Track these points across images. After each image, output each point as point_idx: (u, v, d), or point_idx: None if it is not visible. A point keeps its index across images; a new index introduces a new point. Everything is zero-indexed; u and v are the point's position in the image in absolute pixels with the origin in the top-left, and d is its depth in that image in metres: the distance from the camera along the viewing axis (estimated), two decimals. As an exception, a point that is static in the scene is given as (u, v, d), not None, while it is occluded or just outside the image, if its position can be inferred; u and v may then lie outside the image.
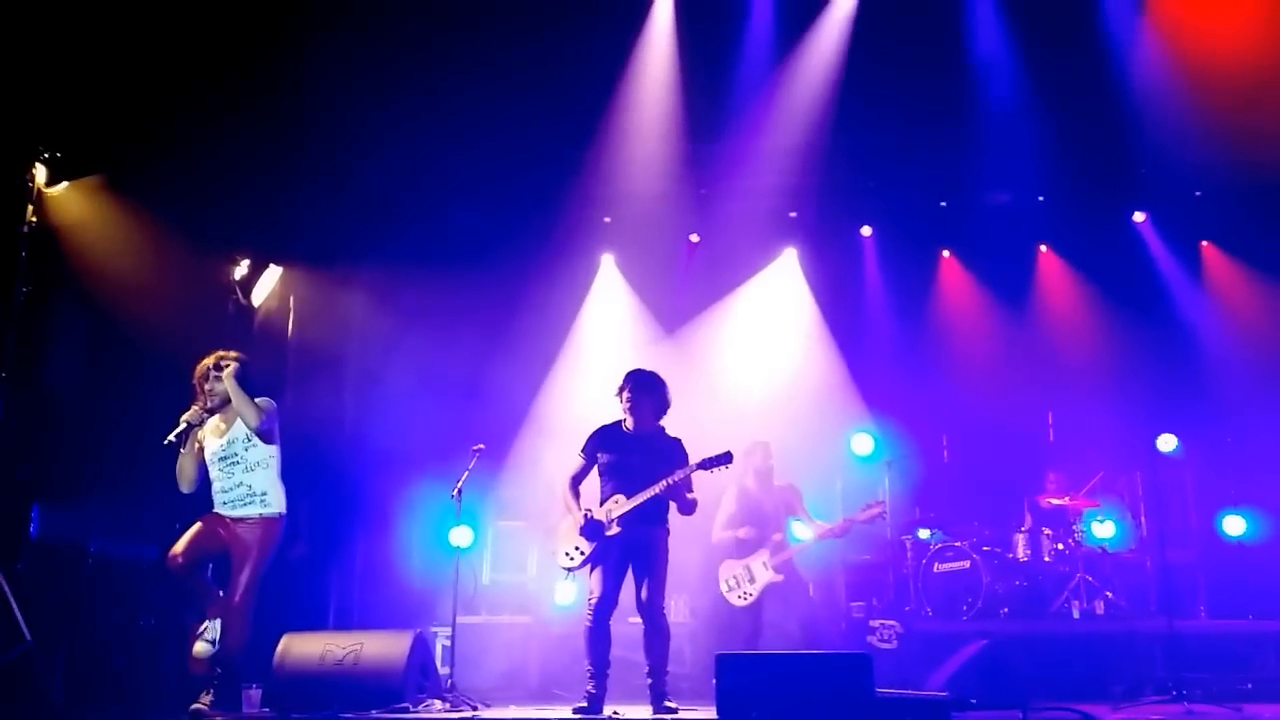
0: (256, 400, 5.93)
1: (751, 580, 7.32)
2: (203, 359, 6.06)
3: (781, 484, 7.64)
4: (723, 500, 7.52)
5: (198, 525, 5.91)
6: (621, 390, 6.24)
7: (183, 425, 5.85)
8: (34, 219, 6.92)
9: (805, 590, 7.59)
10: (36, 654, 6.15)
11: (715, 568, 7.59)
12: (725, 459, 6.08)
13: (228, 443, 5.96)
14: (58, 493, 7.16)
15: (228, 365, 5.93)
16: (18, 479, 6.79)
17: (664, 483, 5.97)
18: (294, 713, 5.69)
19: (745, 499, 7.48)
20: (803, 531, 7.56)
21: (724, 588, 7.42)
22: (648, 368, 6.42)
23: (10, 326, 6.66)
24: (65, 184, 7.27)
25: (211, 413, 5.98)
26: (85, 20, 7.10)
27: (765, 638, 7.31)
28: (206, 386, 5.96)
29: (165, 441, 5.83)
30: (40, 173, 7.02)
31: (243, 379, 5.93)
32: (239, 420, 5.94)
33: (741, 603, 7.32)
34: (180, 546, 5.83)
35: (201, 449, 6.00)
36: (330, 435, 9.04)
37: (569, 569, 6.12)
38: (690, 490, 6.08)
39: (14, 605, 6.19)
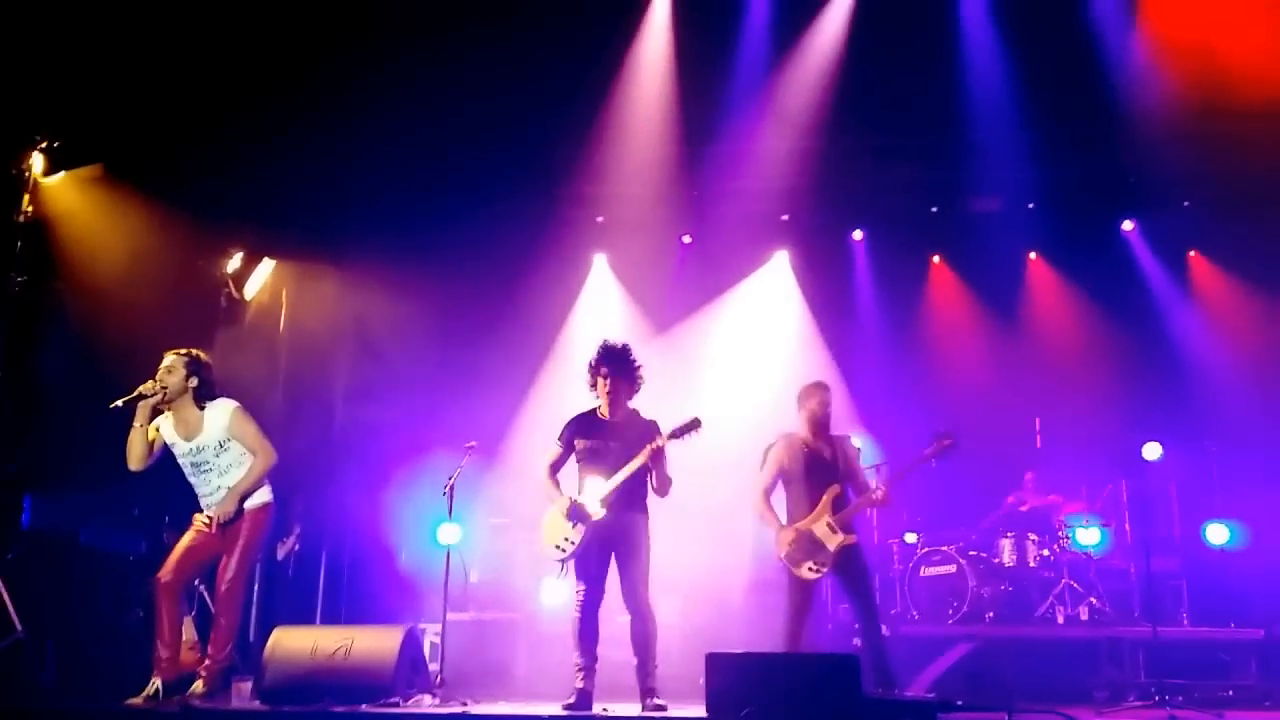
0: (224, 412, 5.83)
1: (821, 547, 6.26)
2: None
3: (838, 434, 6.67)
4: (767, 458, 6.56)
5: (184, 539, 5.84)
6: (598, 372, 6.11)
7: (135, 394, 5.72)
8: (30, 208, 6.91)
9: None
10: (28, 643, 6.17)
11: (713, 562, 7.18)
12: (694, 425, 5.93)
13: (196, 449, 5.83)
14: (49, 484, 7.16)
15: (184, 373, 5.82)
16: (10, 469, 6.79)
17: (641, 456, 5.87)
18: (285, 705, 5.69)
19: (798, 452, 6.44)
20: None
21: (788, 561, 6.29)
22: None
23: (4, 317, 6.65)
24: (62, 173, 7.26)
25: (166, 401, 5.81)
26: (83, 9, 7.11)
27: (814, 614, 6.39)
28: (160, 372, 5.83)
29: (111, 406, 5.72)
30: (37, 162, 7.01)
31: (200, 380, 5.83)
32: (206, 430, 5.80)
33: (813, 575, 6.24)
34: (168, 565, 5.78)
35: (155, 436, 5.84)
36: (322, 430, 9.05)
37: (562, 560, 5.97)
38: (666, 467, 5.99)
39: (5, 595, 6.20)
